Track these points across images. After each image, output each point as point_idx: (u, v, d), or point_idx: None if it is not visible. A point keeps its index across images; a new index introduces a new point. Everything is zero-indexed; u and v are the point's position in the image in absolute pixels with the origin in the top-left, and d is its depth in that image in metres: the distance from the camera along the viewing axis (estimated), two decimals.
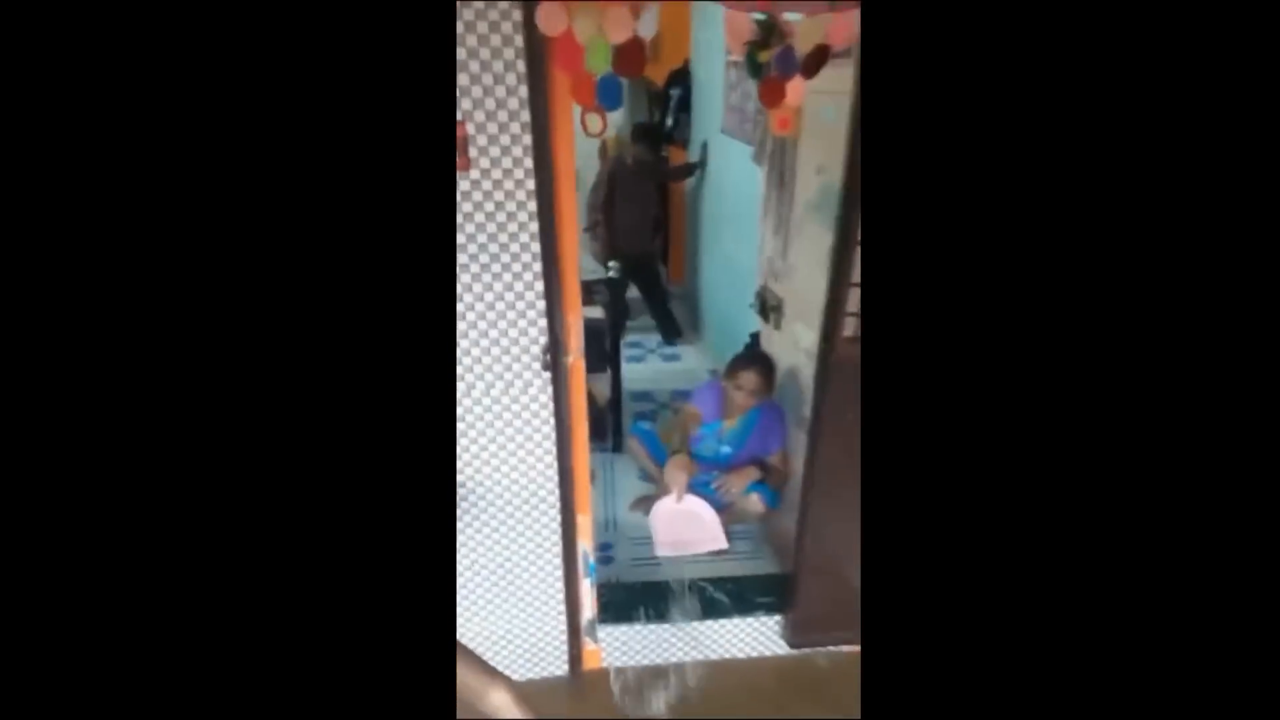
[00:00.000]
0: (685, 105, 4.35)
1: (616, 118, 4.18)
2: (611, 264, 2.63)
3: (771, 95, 1.70)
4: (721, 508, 2.22)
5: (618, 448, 2.93)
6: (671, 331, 4.20)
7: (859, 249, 1.56)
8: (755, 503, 2.21)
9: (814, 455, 1.81)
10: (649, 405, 3.44)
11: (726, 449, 2.32)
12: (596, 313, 2.84)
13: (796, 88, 1.67)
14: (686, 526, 2.14)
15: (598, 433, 2.95)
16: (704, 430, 2.33)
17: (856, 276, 1.59)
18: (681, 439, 2.29)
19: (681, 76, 4.34)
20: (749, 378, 2.20)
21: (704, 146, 3.86)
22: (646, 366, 3.90)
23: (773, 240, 2.24)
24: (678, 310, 4.65)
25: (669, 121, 4.44)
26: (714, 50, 3.46)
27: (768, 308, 2.32)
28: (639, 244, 3.85)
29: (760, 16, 1.71)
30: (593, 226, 3.84)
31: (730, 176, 3.28)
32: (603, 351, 2.79)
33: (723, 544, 2.18)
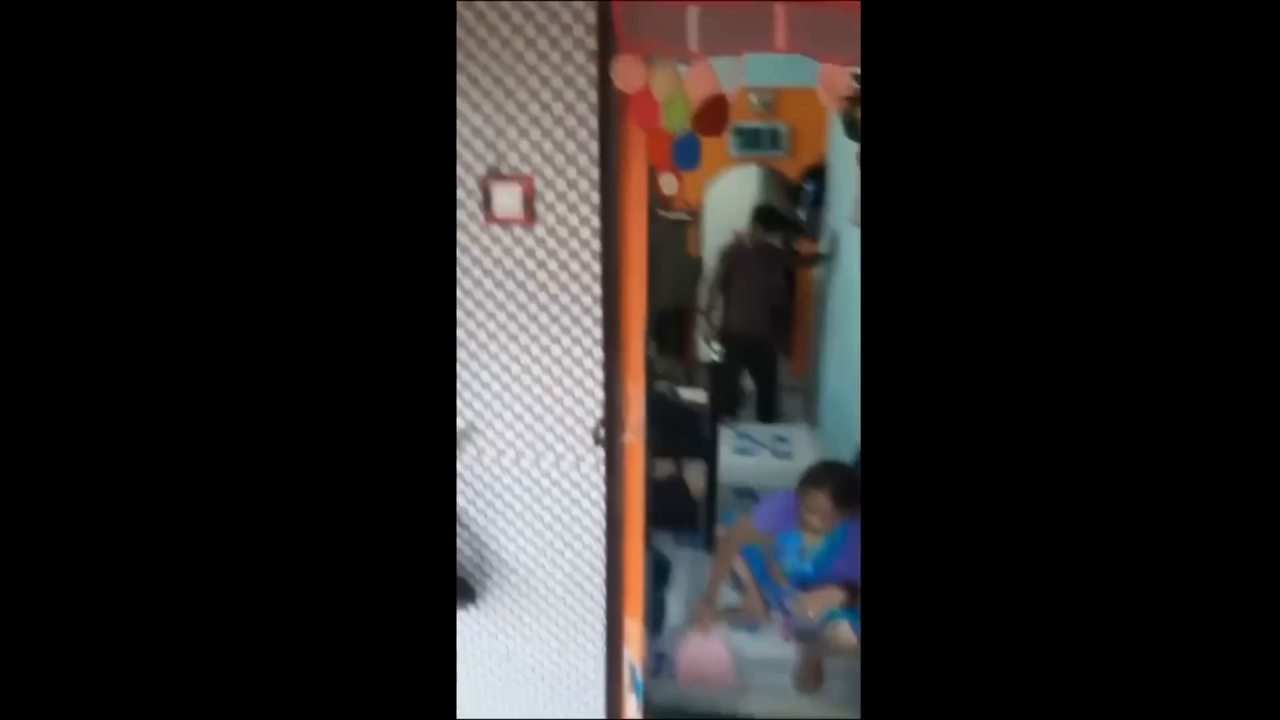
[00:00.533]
0: (819, 200, 4.23)
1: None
2: (715, 346, 2.47)
3: None
4: (804, 635, 1.88)
5: (709, 546, 2.66)
6: (768, 414, 3.91)
7: None
8: (845, 632, 1.83)
9: None
10: (748, 502, 3.14)
11: (809, 567, 1.99)
12: (700, 396, 2.67)
13: None
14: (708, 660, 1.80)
15: (687, 525, 2.71)
16: (782, 541, 2.02)
17: None
18: (723, 562, 1.94)
19: (817, 172, 4.26)
20: (819, 501, 1.85)
21: (834, 238, 3.68)
22: (754, 461, 3.60)
23: None
24: (794, 403, 4.36)
25: (801, 215, 4.34)
26: (850, 144, 3.36)
27: None
28: (753, 328, 3.68)
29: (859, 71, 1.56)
30: (708, 309, 3.75)
31: (856, 264, 3.06)
32: (700, 437, 2.60)
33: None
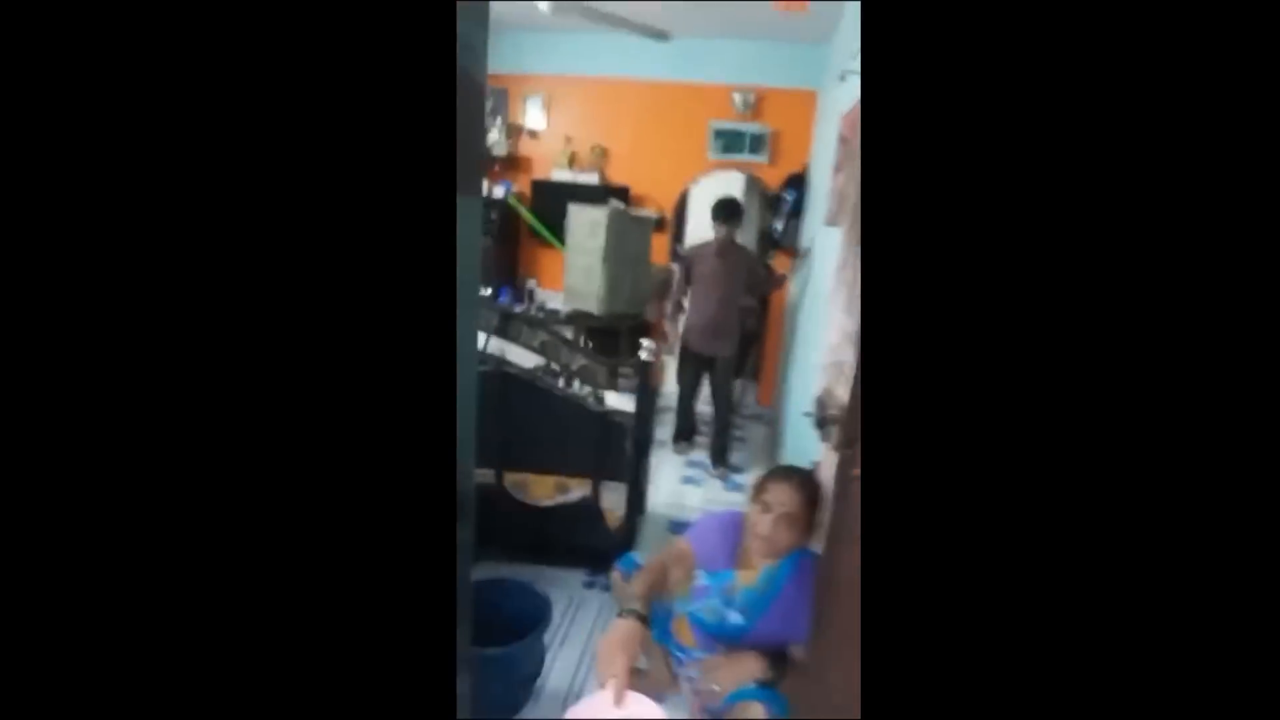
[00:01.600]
0: (798, 210, 3.88)
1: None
2: (646, 343, 2.04)
3: None
4: (715, 714, 1.42)
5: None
6: (717, 458, 3.43)
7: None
8: (755, 715, 1.37)
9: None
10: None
11: (736, 618, 1.52)
12: (626, 403, 2.24)
13: None
14: None
15: (601, 564, 2.26)
16: (707, 580, 1.56)
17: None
18: (645, 593, 1.33)
19: (797, 181, 3.91)
20: (782, 492, 1.43)
21: (808, 248, 3.29)
22: (701, 491, 3.16)
23: (844, 321, 1.54)
24: (757, 434, 3.93)
25: (778, 227, 3.98)
26: (831, 149, 2.99)
27: (829, 421, 1.59)
28: (708, 346, 3.27)
29: None
30: (673, 312, 3.37)
31: (828, 272, 2.64)
32: (622, 455, 2.16)
33: None
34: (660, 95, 4.03)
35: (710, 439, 3.45)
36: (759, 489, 1.49)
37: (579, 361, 2.05)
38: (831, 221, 1.80)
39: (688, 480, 3.27)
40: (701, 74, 3.94)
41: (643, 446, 2.12)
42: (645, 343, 2.04)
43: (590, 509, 2.19)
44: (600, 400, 2.15)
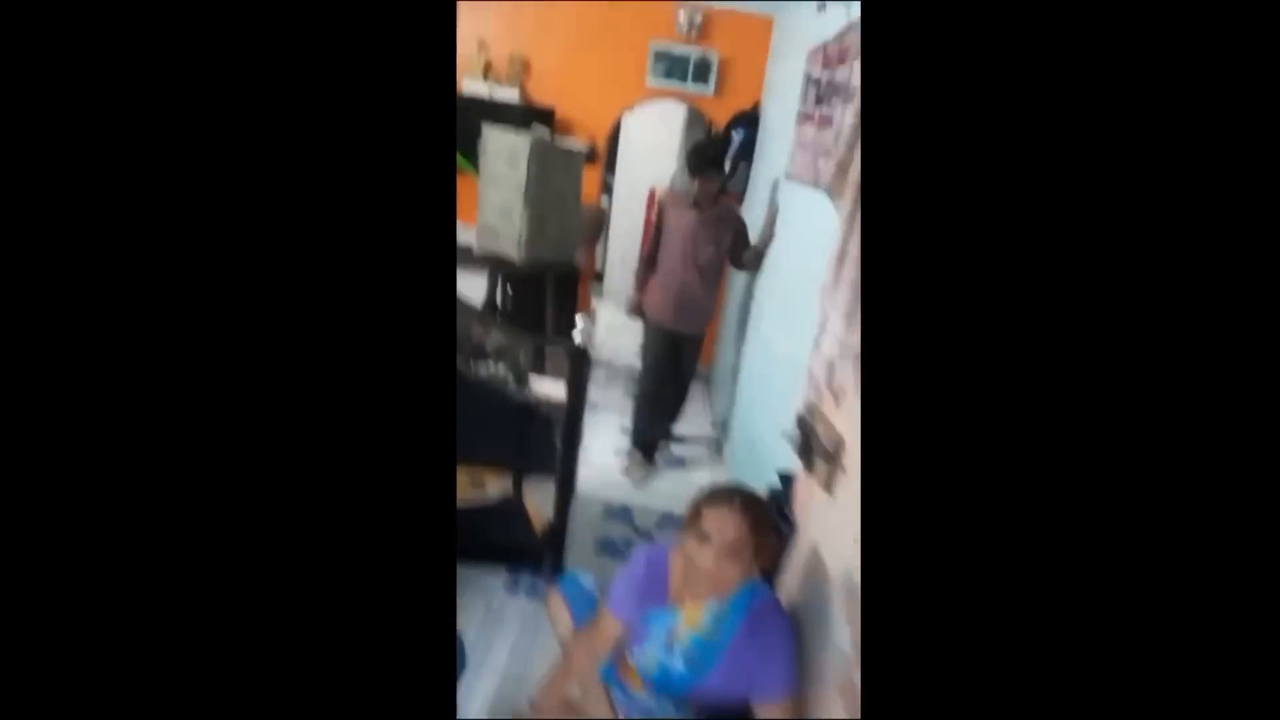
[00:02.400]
0: (747, 152, 3.50)
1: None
2: (580, 320, 1.64)
3: None
4: None
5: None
6: (648, 451, 2.89)
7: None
8: None
9: None
10: (625, 530, 2.39)
11: (679, 667, 1.26)
12: (558, 390, 1.85)
13: None
14: None
15: (522, 565, 1.93)
16: (649, 622, 1.28)
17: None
18: (555, 678, 1.19)
19: (748, 120, 3.51)
20: (722, 519, 1.14)
21: (775, 205, 2.72)
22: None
23: (841, 329, 1.22)
24: (700, 401, 3.62)
25: (725, 168, 3.59)
26: (792, 87, 2.57)
27: (812, 448, 1.29)
28: (676, 321, 2.71)
29: None
30: (642, 273, 2.80)
31: (797, 235, 2.29)
32: (549, 449, 1.80)
33: None
34: (594, 3, 3.46)
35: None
36: (694, 515, 1.19)
37: (494, 340, 1.65)
38: (831, 193, 1.44)
39: (621, 451, 2.96)
40: None
41: (574, 440, 1.76)
42: (579, 319, 1.64)
43: (511, 510, 1.83)
44: (523, 382, 1.76)
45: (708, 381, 3.87)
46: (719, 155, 2.73)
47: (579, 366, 1.70)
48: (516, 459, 1.79)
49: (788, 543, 1.42)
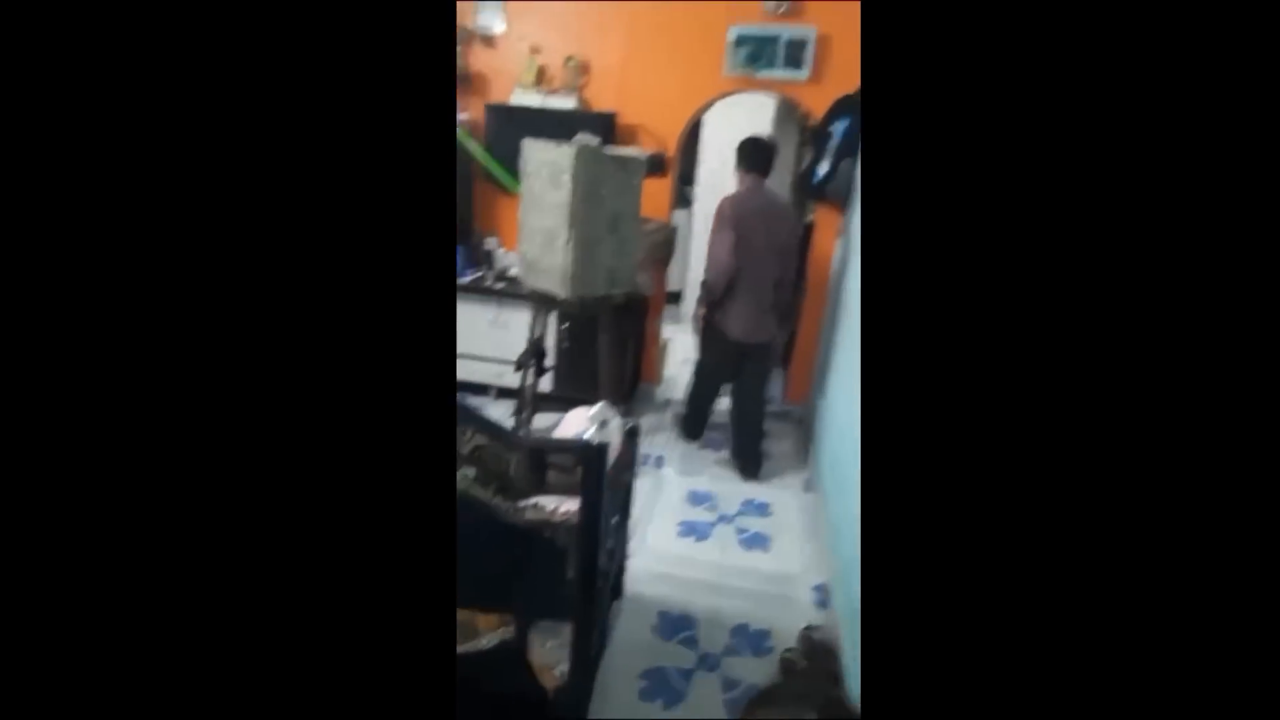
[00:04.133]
0: (853, 148, 2.82)
1: None
2: (592, 414, 1.13)
3: None
4: None
5: None
6: (748, 467, 2.77)
7: None
8: None
9: None
10: (684, 655, 1.80)
11: None
12: (568, 505, 1.32)
13: None
14: None
15: None
16: None
17: None
18: None
19: (848, 107, 2.83)
20: None
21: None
22: (712, 548, 2.27)
23: None
24: (783, 437, 3.00)
25: (822, 169, 2.93)
26: None
27: None
28: (754, 332, 2.59)
29: None
30: (720, 300, 2.63)
31: None
32: (557, 585, 1.26)
33: None
34: None
35: (736, 442, 2.78)
36: None
37: (471, 439, 1.14)
38: None
39: (688, 530, 2.38)
40: None
41: (591, 574, 1.22)
42: (591, 413, 1.11)
43: (507, 654, 1.32)
44: (515, 499, 1.24)
45: (797, 422, 3.20)
46: (767, 151, 2.57)
47: (593, 474, 1.17)
48: (518, 598, 1.28)
49: None
